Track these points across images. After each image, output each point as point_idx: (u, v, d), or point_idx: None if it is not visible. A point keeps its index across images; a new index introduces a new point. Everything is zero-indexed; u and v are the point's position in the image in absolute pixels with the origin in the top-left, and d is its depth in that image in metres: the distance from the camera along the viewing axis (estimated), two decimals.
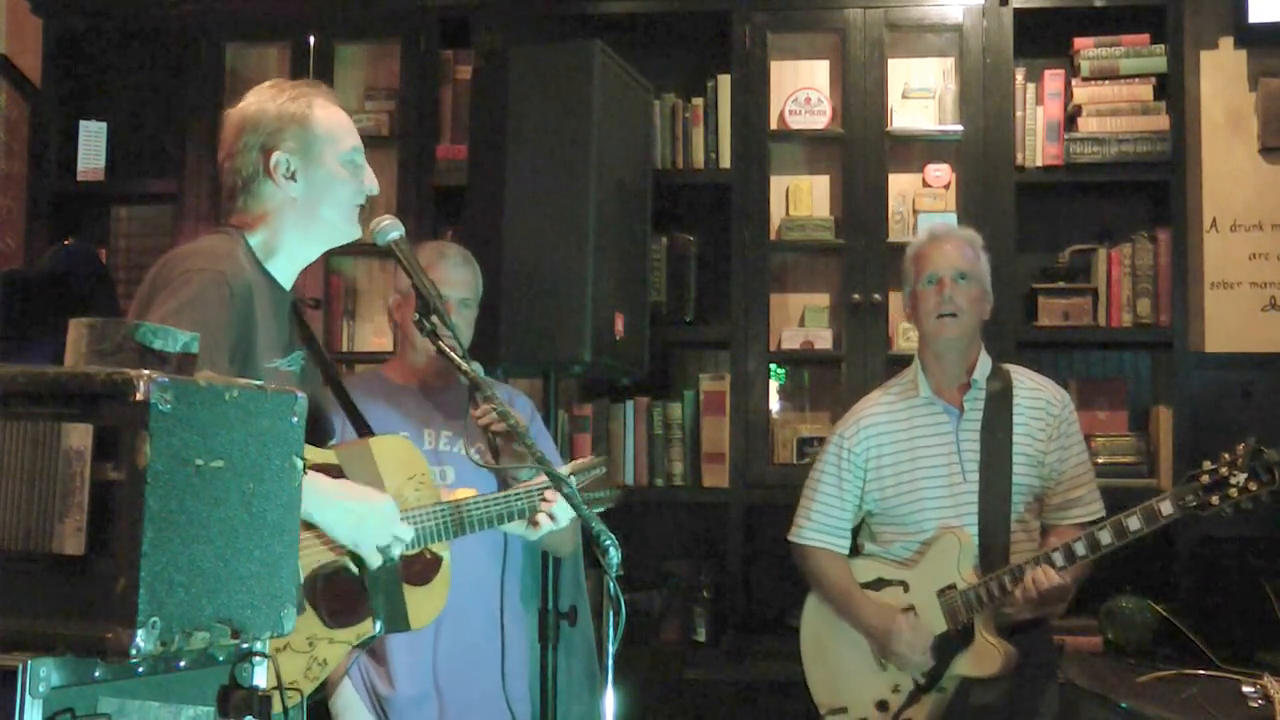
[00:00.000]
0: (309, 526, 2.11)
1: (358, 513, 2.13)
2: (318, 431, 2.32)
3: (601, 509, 2.60)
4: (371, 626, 2.21)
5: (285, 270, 2.21)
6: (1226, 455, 2.69)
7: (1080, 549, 2.75)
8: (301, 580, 2.12)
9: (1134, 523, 2.72)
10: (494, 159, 3.17)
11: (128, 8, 4.18)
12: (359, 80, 4.23)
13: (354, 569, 2.19)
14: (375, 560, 2.16)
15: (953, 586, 2.86)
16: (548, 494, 2.49)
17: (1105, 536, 2.74)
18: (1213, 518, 2.73)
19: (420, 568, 2.33)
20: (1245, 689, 2.72)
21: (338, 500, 2.11)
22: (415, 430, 2.81)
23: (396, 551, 2.19)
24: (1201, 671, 2.93)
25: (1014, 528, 2.90)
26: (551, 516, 2.50)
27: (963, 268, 2.97)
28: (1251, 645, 3.31)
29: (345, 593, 2.17)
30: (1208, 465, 2.71)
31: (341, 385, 2.41)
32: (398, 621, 2.26)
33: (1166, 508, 2.70)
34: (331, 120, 2.20)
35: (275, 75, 4.15)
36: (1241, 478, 2.66)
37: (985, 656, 2.83)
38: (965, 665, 2.85)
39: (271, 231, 2.17)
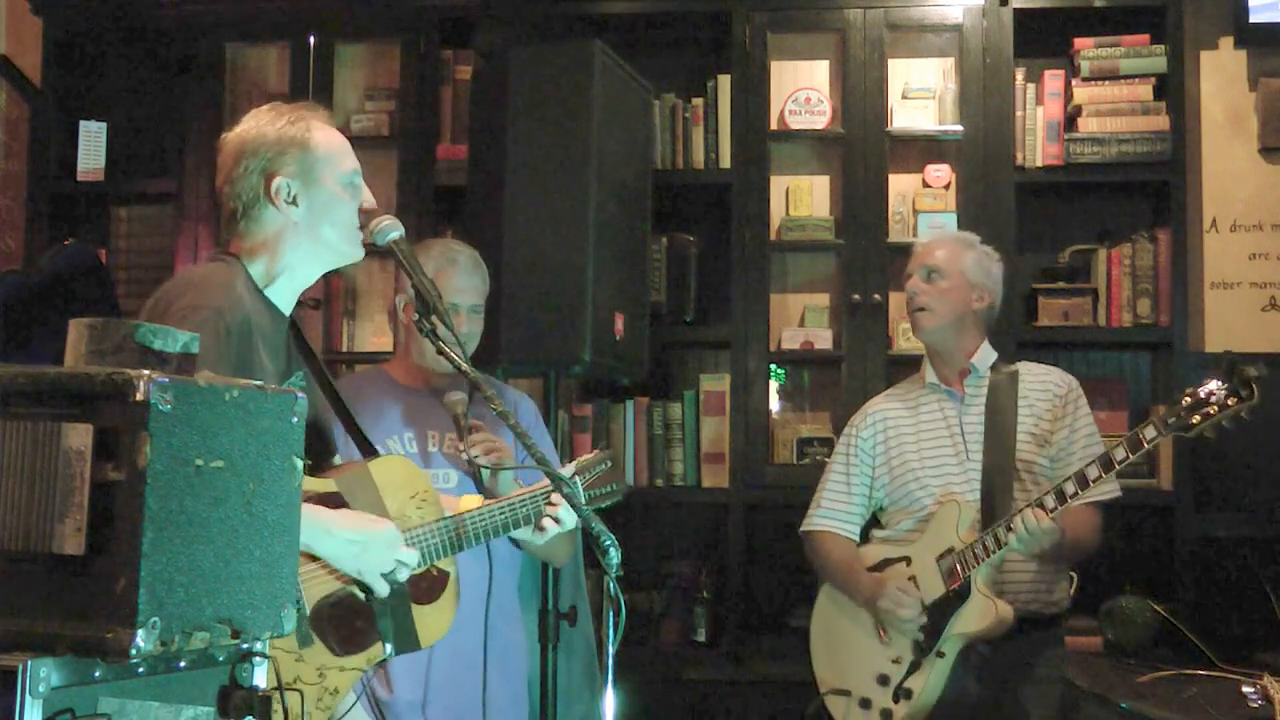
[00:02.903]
0: (312, 558, 2.11)
1: (360, 542, 2.12)
2: (321, 449, 2.31)
3: (608, 504, 2.59)
4: (382, 650, 2.21)
5: (285, 294, 2.21)
6: (1207, 379, 2.69)
7: (1070, 487, 2.74)
8: (308, 613, 2.12)
9: (1119, 453, 2.72)
10: (494, 159, 3.17)
11: (128, 8, 4.17)
12: (359, 80, 4.24)
13: (360, 595, 2.18)
14: (382, 588, 2.16)
15: (951, 549, 2.87)
16: (553, 497, 2.46)
17: (1093, 471, 2.73)
18: (1196, 439, 2.71)
19: (427, 585, 2.31)
20: (1245, 689, 2.72)
21: (338, 531, 2.10)
22: (418, 432, 2.81)
23: (403, 576, 2.18)
24: (1201, 671, 2.92)
25: (1015, 496, 2.90)
26: (556, 520, 2.47)
27: (932, 264, 3.07)
28: (1251, 645, 3.31)
29: (353, 619, 2.17)
30: (1188, 389, 2.71)
31: (341, 400, 2.39)
32: (407, 641, 2.25)
33: (1150, 432, 2.70)
34: (330, 142, 2.20)
35: (275, 75, 4.17)
36: (1220, 394, 2.65)
37: (980, 611, 2.83)
38: (962, 622, 2.85)
39: (272, 257, 2.18)
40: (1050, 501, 2.75)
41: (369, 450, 2.37)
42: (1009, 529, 2.78)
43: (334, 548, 2.10)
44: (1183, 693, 2.76)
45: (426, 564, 2.31)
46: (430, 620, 2.30)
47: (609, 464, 2.63)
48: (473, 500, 2.46)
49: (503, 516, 2.43)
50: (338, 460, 2.36)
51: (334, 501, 2.20)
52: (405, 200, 3.96)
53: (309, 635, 2.12)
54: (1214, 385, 2.67)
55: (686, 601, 3.97)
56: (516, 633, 2.91)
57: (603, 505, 2.58)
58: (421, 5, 4.05)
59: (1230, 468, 3.84)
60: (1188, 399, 2.69)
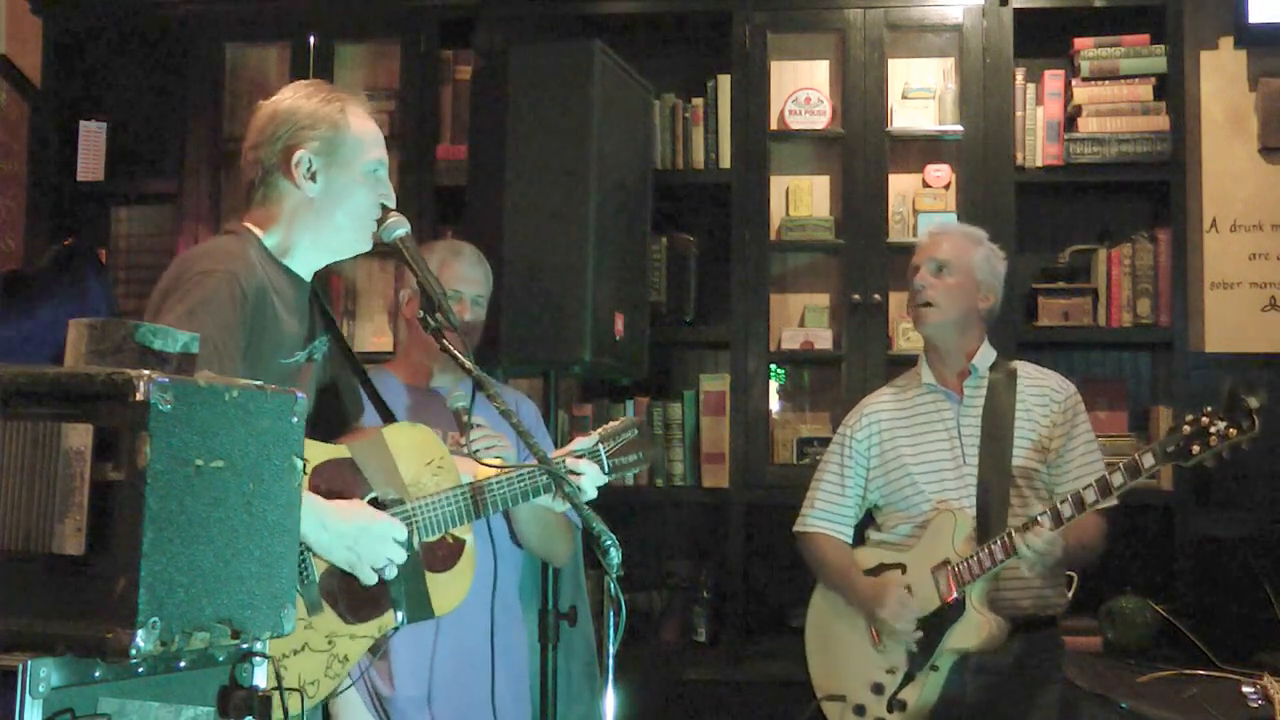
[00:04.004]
0: None
1: (350, 535, 2.11)
2: (346, 409, 2.32)
3: (635, 472, 2.57)
4: (394, 618, 2.19)
5: (303, 266, 2.21)
6: (1209, 406, 2.68)
7: (1067, 510, 2.74)
8: (317, 579, 2.12)
9: (1118, 478, 2.72)
10: (494, 159, 3.17)
11: (128, 8, 4.17)
12: (359, 80, 4.23)
13: None
14: (370, 580, 2.14)
15: (946, 561, 2.87)
16: (577, 464, 2.44)
17: (1090, 495, 2.73)
18: (1195, 467, 2.72)
19: (443, 553, 2.29)
20: (1245, 689, 2.72)
21: (333, 524, 2.09)
22: None
23: (391, 574, 2.16)
24: (1201, 671, 2.92)
25: (1012, 503, 2.90)
26: (579, 488, 2.42)
27: (940, 258, 3.03)
28: (1251, 645, 3.31)
29: (363, 586, 2.16)
30: (1189, 416, 2.70)
31: (363, 370, 2.40)
32: (421, 609, 2.23)
33: (1148, 459, 2.70)
34: (363, 129, 2.20)
35: (275, 75, 4.17)
36: (1221, 425, 2.65)
37: (973, 627, 2.83)
38: (956, 638, 2.85)
39: (285, 232, 2.17)
40: (1047, 523, 2.75)
41: (388, 417, 2.37)
42: (1005, 548, 2.77)
43: (327, 540, 2.09)
44: (1183, 693, 2.76)
45: (442, 531, 2.29)
46: (445, 588, 2.29)
47: (635, 431, 2.57)
48: (493, 467, 2.43)
49: (523, 484, 2.39)
50: (364, 422, 2.36)
51: (345, 467, 2.19)
52: (405, 200, 3.94)
53: (318, 602, 2.11)
54: (1215, 414, 2.65)
55: (686, 601, 3.98)
56: (519, 631, 2.91)
57: (627, 474, 2.55)
58: (421, 5, 4.05)
59: (1230, 468, 3.83)
60: (1188, 427, 2.68)
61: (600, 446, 2.51)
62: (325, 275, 2.32)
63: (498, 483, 2.37)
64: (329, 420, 2.26)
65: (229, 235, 2.18)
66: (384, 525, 2.16)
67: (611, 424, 2.58)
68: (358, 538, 2.11)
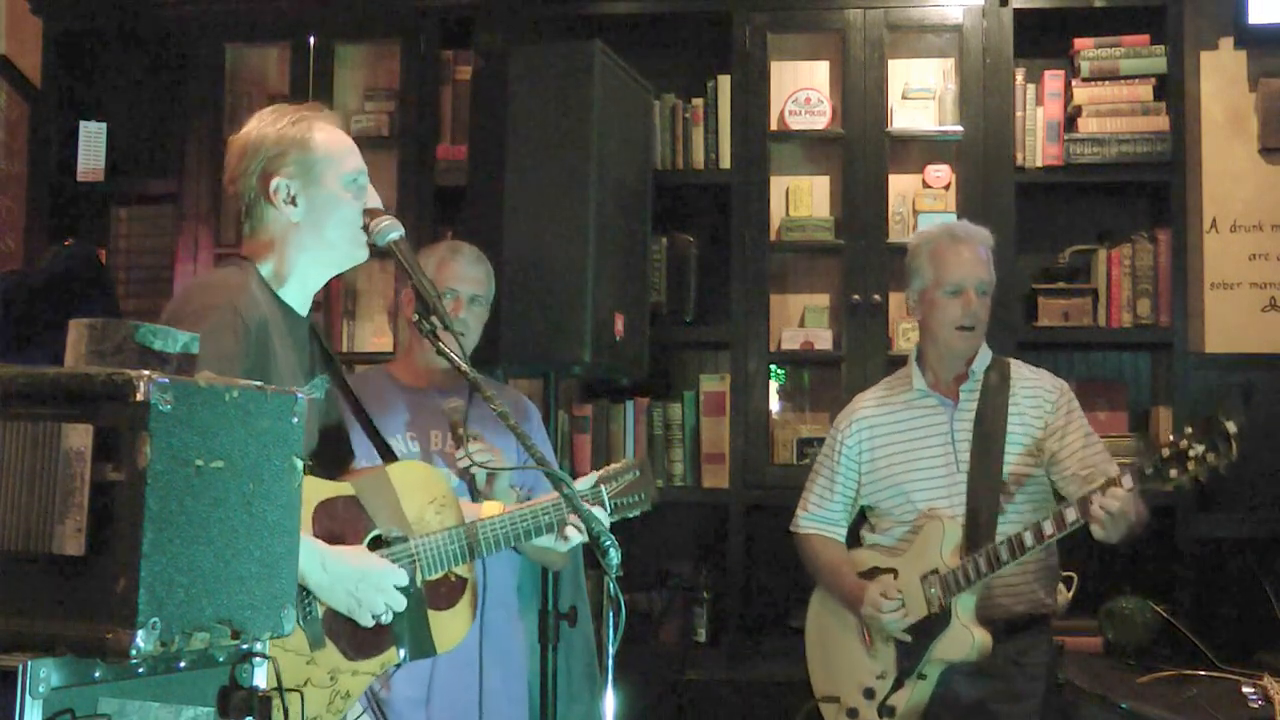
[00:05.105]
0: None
1: (351, 580, 2.10)
2: (342, 453, 2.31)
3: (637, 513, 2.53)
4: (396, 655, 2.19)
5: (299, 296, 2.22)
6: (1189, 429, 2.66)
7: (1048, 528, 2.72)
8: (320, 615, 2.11)
9: (1098, 496, 2.70)
10: (494, 159, 3.16)
11: (128, 8, 4.17)
12: (359, 80, 4.24)
13: None
14: (369, 624, 2.14)
15: (935, 571, 2.86)
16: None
17: (1070, 514, 2.70)
18: (1174, 491, 2.71)
19: (445, 591, 2.29)
20: (1245, 689, 2.72)
21: (333, 566, 2.08)
22: (421, 432, 2.80)
23: (388, 620, 2.16)
24: (1201, 671, 2.93)
25: (1005, 510, 2.89)
26: (579, 528, 2.38)
27: (985, 278, 2.98)
28: (1251, 645, 3.31)
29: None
30: (1170, 439, 2.68)
31: (361, 406, 2.38)
32: (423, 647, 2.23)
33: (1127, 481, 2.67)
34: (332, 143, 2.20)
35: (275, 75, 4.17)
36: (1200, 449, 2.62)
37: (958, 640, 2.83)
38: (941, 649, 2.84)
39: (280, 258, 2.18)
40: (1029, 539, 2.73)
41: (388, 454, 2.36)
42: (990, 562, 2.77)
43: (328, 582, 2.08)
44: (1183, 693, 2.76)
45: (444, 570, 2.28)
46: (447, 626, 2.28)
47: (637, 473, 2.54)
48: (495, 507, 2.41)
49: (524, 524, 2.37)
50: (361, 464, 2.35)
51: (350, 505, 2.18)
52: (405, 200, 3.96)
53: (321, 637, 2.11)
54: (1194, 438, 2.62)
55: (686, 601, 3.97)
56: (516, 631, 2.91)
57: (630, 514, 2.52)
58: (421, 5, 4.05)
59: (1231, 469, 3.83)
60: (1166, 450, 2.65)
61: (602, 488, 2.48)
62: None
63: (494, 523, 2.34)
64: (329, 459, 2.26)
65: (231, 266, 2.19)
66: (385, 572, 2.14)
67: (613, 465, 2.55)
68: (359, 583, 2.10)
